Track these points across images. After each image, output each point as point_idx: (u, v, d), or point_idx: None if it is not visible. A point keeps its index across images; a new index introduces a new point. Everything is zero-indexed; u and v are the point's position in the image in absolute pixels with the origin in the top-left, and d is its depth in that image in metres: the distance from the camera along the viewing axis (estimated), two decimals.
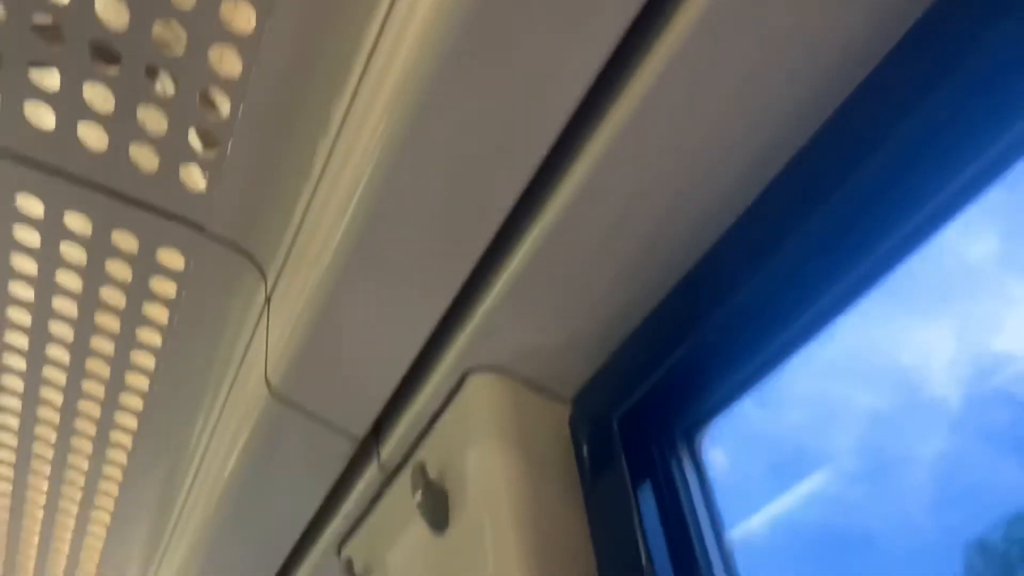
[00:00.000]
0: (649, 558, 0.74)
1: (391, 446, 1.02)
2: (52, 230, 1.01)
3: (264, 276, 1.03)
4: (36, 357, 1.19)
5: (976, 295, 0.63)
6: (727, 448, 0.81)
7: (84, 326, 1.14)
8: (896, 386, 0.69)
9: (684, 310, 0.78)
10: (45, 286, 1.08)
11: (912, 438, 0.66)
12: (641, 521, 0.76)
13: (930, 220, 0.62)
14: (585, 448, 0.84)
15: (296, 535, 1.20)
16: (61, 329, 1.15)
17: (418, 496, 0.89)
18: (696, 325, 0.75)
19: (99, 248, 1.02)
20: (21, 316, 1.13)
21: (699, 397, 0.78)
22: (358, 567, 1.07)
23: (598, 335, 0.85)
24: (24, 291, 1.09)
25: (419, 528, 0.93)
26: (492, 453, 0.85)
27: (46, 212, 0.98)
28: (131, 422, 1.31)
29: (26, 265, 1.06)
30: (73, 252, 1.04)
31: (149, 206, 0.97)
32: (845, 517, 0.71)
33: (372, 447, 1.06)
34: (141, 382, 1.24)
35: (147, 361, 1.20)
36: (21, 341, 1.17)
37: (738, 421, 0.81)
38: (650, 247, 0.79)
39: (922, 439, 0.65)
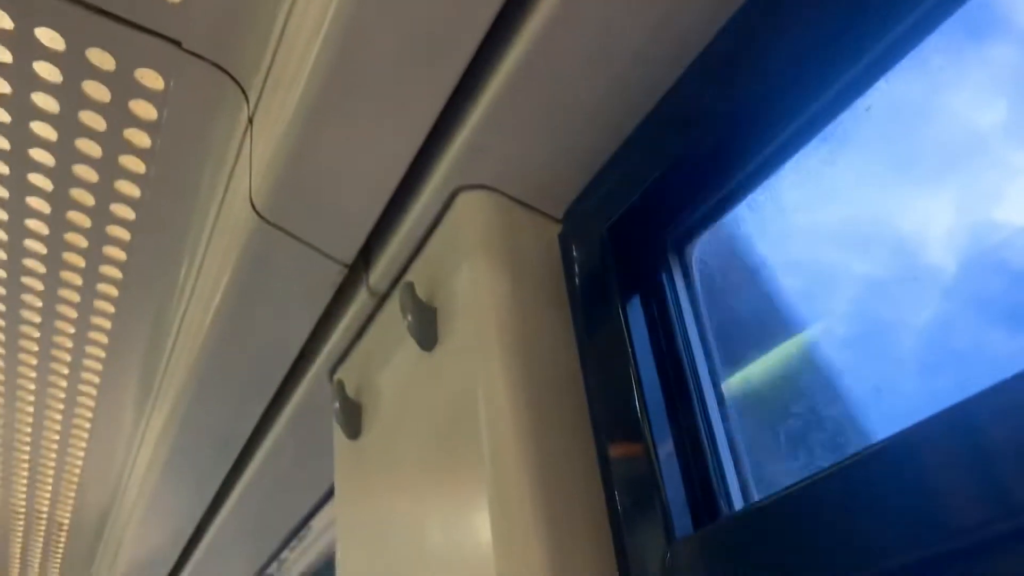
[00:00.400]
0: (637, 370, 0.75)
1: (380, 270, 1.02)
2: (23, 46, 0.97)
3: (246, 95, 1.00)
4: (18, 185, 1.17)
5: (980, 164, 0.61)
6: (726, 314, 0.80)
7: (65, 152, 1.11)
8: (892, 254, 0.67)
9: (673, 120, 0.76)
10: (21, 109, 1.05)
11: (904, 305, 0.65)
12: (630, 335, 0.76)
13: (907, 33, 0.60)
14: (574, 263, 0.84)
15: (288, 361, 1.21)
16: (42, 155, 1.13)
17: (407, 315, 0.89)
18: (685, 135, 0.73)
19: (74, 67, 0.99)
20: None
21: (688, 208, 0.76)
22: (350, 390, 1.08)
23: (588, 148, 0.83)
24: None
25: (409, 349, 0.94)
26: (481, 270, 0.84)
27: (15, 26, 0.94)
28: (119, 254, 1.30)
29: None
30: (48, 72, 1.00)
31: (123, 20, 0.93)
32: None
33: (361, 272, 1.06)
34: (127, 212, 1.22)
35: (132, 190, 1.18)
36: (0, 168, 1.15)
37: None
38: (640, 54, 0.76)
39: (914, 307, 0.64)
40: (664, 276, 0.78)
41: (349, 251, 1.02)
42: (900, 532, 0.49)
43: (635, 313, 0.77)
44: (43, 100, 1.04)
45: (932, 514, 0.47)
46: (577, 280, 0.83)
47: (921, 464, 0.49)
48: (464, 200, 0.89)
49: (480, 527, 0.73)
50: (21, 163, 1.14)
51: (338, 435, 1.10)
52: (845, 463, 0.54)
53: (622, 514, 0.73)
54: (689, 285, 0.78)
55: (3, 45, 0.97)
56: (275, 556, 1.83)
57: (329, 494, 1.49)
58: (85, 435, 1.82)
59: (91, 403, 1.69)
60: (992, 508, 0.45)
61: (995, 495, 0.45)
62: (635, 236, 0.79)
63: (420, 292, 0.92)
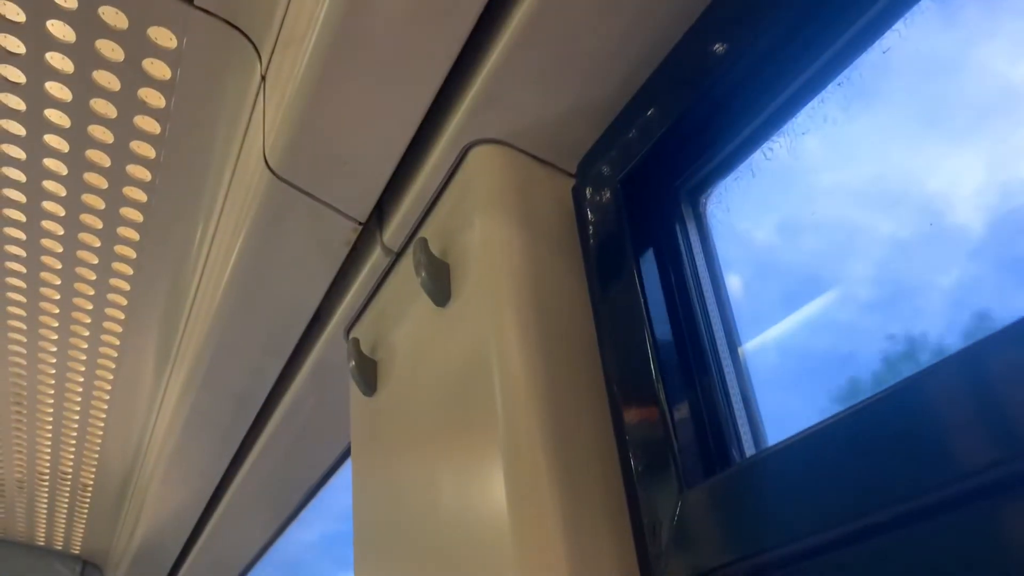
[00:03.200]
0: (650, 323, 0.75)
1: (394, 228, 1.02)
2: (36, 5, 0.97)
3: (258, 53, 1.00)
4: (35, 147, 1.18)
5: (1014, 120, 0.60)
6: (742, 274, 0.80)
7: (80, 112, 1.12)
8: (919, 213, 0.66)
9: (684, 70, 0.75)
10: (36, 69, 1.05)
11: (930, 266, 0.64)
12: (643, 287, 0.76)
13: None
14: (588, 216, 0.84)
15: (305, 320, 1.22)
16: (57, 116, 1.13)
17: (421, 272, 0.90)
18: (696, 85, 0.72)
19: (88, 26, 0.99)
20: (15, 101, 1.11)
21: (702, 157, 0.76)
22: (365, 348, 1.09)
23: (599, 100, 0.83)
24: (14, 73, 1.07)
25: (423, 305, 0.94)
26: (494, 224, 0.84)
27: None
28: (136, 215, 1.31)
29: (12, 44, 1.03)
30: (62, 31, 1.01)
31: None
32: (854, 344, 0.71)
33: (375, 230, 1.06)
34: (143, 173, 1.23)
35: (147, 151, 1.19)
36: (18, 129, 1.15)
37: (756, 248, 0.80)
38: (649, 4, 0.75)
39: (940, 267, 0.63)
40: (678, 227, 0.78)
41: (363, 208, 1.02)
42: (907, 477, 0.49)
43: (649, 265, 0.77)
44: (57, 60, 1.04)
45: (940, 458, 0.47)
46: (591, 233, 0.83)
47: (929, 409, 0.49)
48: (476, 155, 0.89)
49: (494, 486, 0.73)
50: (37, 124, 1.14)
51: (354, 392, 1.11)
52: (853, 409, 0.54)
53: (635, 468, 0.73)
54: (703, 236, 0.78)
55: (16, 4, 0.97)
56: (295, 515, 1.85)
57: (347, 452, 1.51)
58: (106, 396, 1.84)
59: (111, 365, 1.71)
60: (1000, 450, 0.45)
61: (1003, 437, 0.45)
62: (648, 188, 0.78)
63: (433, 248, 0.92)
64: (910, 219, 0.67)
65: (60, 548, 2.75)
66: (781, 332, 0.78)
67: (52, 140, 1.17)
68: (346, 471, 1.61)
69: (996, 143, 0.61)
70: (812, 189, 0.76)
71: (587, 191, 0.85)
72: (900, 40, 0.62)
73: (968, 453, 0.46)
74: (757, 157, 0.74)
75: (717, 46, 0.70)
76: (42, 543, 2.72)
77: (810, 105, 0.69)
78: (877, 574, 0.52)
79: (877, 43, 0.63)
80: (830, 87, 0.67)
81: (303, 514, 1.89)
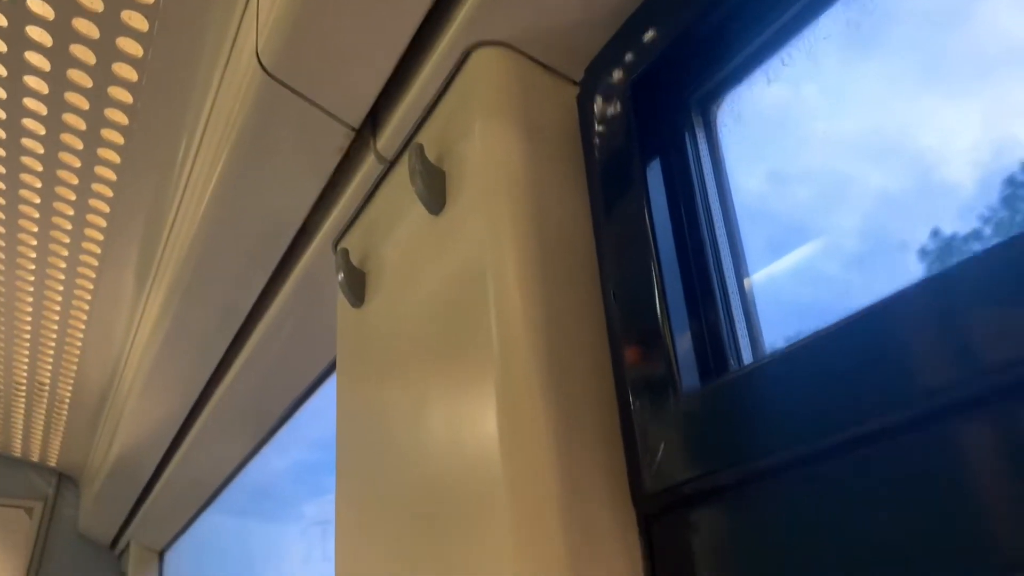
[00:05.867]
0: (654, 238, 0.72)
1: (388, 135, 0.98)
2: None
3: None
4: (16, 40, 1.13)
5: (1014, 76, 0.58)
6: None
7: (65, 3, 1.07)
8: (910, 167, 0.64)
9: None
10: None
11: (917, 222, 0.62)
12: (648, 200, 0.73)
13: None
14: (593, 123, 0.81)
15: (292, 230, 1.19)
16: (41, 7, 1.09)
17: (415, 179, 0.87)
18: None
19: None
20: None
21: (713, 64, 0.73)
22: (355, 259, 1.06)
23: (609, 2, 0.79)
24: None
25: (416, 214, 0.91)
26: (494, 132, 0.81)
27: None
28: (121, 117, 1.27)
29: None
30: None
31: None
32: (836, 296, 0.70)
33: (369, 138, 1.03)
34: (129, 72, 1.18)
35: (135, 49, 1.15)
36: None
37: (742, 195, 0.78)
38: None
39: (927, 223, 0.61)
40: (687, 137, 0.75)
41: (357, 113, 0.99)
42: (894, 391, 0.49)
43: (655, 176, 0.74)
44: None
45: (925, 370, 0.48)
46: (595, 143, 0.80)
47: (901, 329, 0.49)
48: (479, 58, 0.85)
49: (485, 405, 0.71)
50: (19, 16, 1.10)
51: (342, 304, 1.09)
52: (841, 324, 0.53)
53: (630, 385, 0.71)
54: (712, 147, 0.75)
55: None
56: (271, 434, 1.84)
57: (328, 370, 1.49)
58: (86, 307, 1.81)
59: (92, 275, 1.67)
60: (959, 371, 0.46)
61: (964, 359, 0.46)
62: (658, 95, 0.75)
63: (430, 155, 0.89)
64: (902, 171, 0.66)
65: (36, 460, 2.75)
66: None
67: (33, 32, 1.13)
68: (324, 396, 1.60)
69: (995, 100, 0.59)
70: (811, 135, 0.74)
71: (593, 98, 0.82)
72: None
73: (933, 372, 0.47)
74: (774, 64, 0.71)
75: None
76: (18, 455, 2.72)
77: (833, 8, 0.66)
78: (862, 482, 0.52)
79: None
80: None
81: (278, 440, 1.88)
